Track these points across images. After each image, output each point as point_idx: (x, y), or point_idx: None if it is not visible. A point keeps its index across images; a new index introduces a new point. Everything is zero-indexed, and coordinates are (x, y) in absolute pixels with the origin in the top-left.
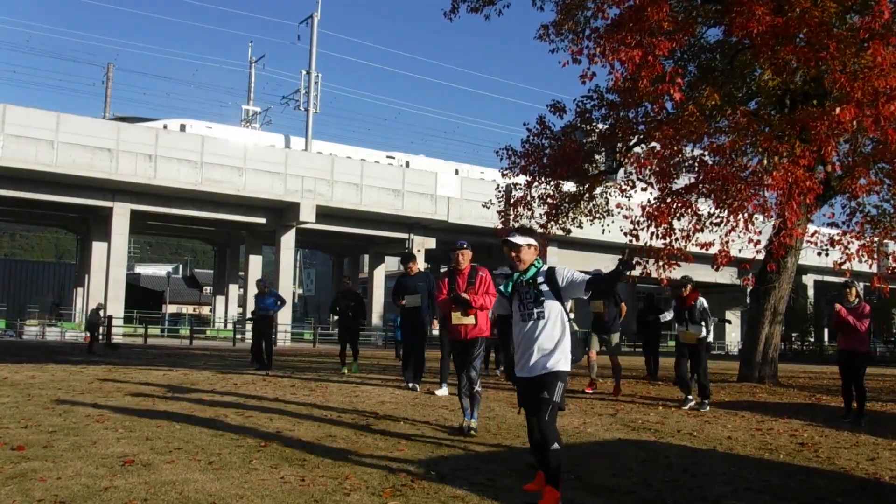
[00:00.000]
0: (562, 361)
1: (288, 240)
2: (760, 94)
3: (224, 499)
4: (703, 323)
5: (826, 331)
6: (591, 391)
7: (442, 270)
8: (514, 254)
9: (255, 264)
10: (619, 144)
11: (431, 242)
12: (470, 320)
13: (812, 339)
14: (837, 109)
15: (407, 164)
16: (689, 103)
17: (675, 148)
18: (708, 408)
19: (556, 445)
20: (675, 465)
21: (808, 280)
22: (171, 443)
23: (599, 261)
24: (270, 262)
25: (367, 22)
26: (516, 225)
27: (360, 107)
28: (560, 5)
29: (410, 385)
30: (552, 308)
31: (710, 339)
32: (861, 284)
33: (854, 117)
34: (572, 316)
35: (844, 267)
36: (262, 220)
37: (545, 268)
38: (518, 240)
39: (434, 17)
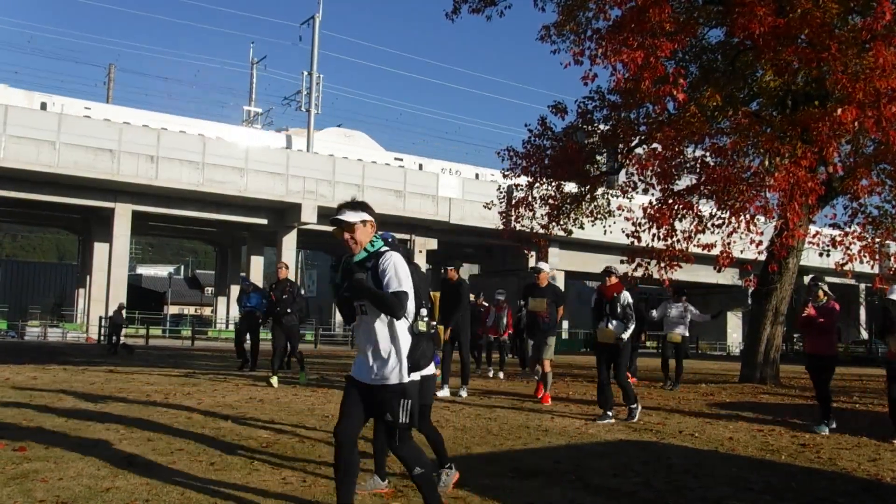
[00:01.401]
0: (396, 371)
1: (289, 241)
2: (762, 95)
3: (226, 500)
4: (625, 320)
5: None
6: (548, 403)
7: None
8: (347, 235)
9: (257, 265)
10: (621, 145)
11: (433, 243)
12: None
13: None
14: (839, 110)
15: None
16: (691, 104)
17: (677, 149)
18: (637, 416)
19: (418, 469)
20: (676, 465)
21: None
22: (172, 443)
23: (601, 261)
24: (272, 263)
25: (369, 23)
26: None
27: (362, 108)
28: (561, 6)
29: None
30: None
31: (625, 335)
32: (863, 285)
33: (855, 118)
34: (423, 312)
35: (846, 268)
36: (264, 221)
37: (381, 249)
38: (350, 216)
39: (436, 18)
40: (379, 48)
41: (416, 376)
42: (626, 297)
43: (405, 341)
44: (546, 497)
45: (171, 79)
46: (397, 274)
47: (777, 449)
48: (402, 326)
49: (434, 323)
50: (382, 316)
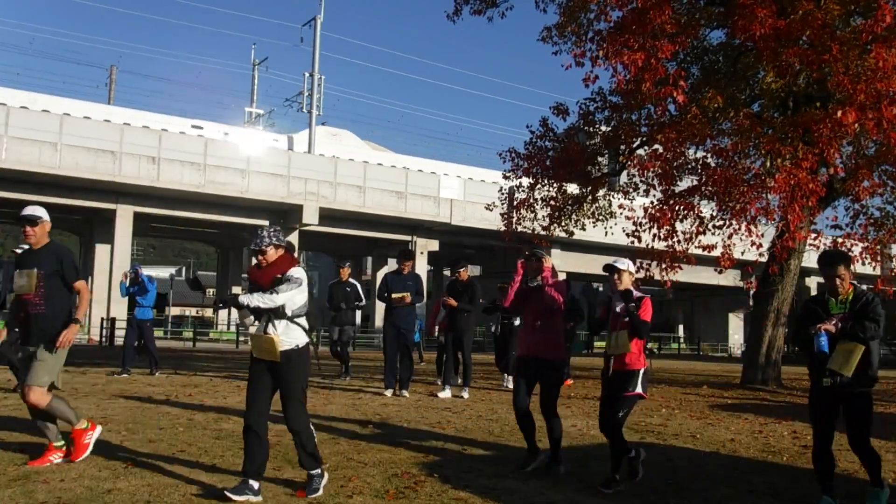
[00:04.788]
0: None
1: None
2: (763, 97)
3: (228, 501)
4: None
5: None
6: None
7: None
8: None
9: None
10: (622, 147)
11: (434, 244)
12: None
13: None
14: (840, 112)
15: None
16: (692, 106)
17: (678, 150)
18: (320, 490)
19: None
20: (678, 467)
21: (812, 282)
22: (174, 445)
23: (603, 263)
24: None
25: (370, 24)
26: (519, 228)
27: (363, 109)
28: (562, 7)
29: (392, 393)
30: None
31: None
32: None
33: (857, 120)
34: None
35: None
36: (266, 223)
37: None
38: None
39: (437, 20)
40: (380, 49)
41: None
42: (299, 275)
43: None
44: (548, 498)
45: (173, 80)
46: None
47: (779, 450)
48: None
49: None
50: None
